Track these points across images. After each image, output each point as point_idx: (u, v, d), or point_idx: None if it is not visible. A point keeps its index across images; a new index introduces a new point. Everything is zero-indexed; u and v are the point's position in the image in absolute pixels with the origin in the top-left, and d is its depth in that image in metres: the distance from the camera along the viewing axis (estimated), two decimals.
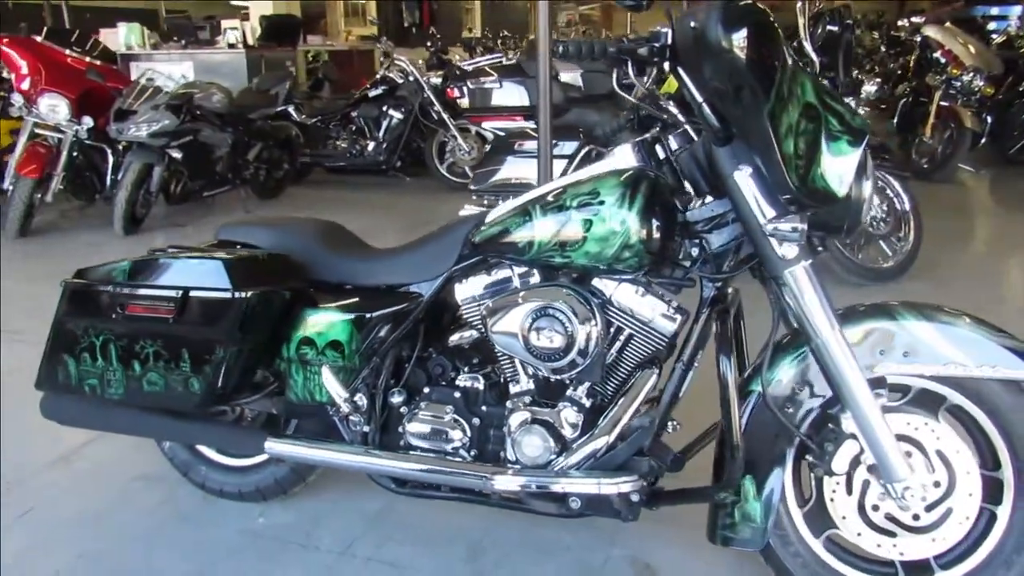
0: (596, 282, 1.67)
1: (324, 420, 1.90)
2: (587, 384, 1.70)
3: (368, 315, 1.81)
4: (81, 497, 2.19)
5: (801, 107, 1.44)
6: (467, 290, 1.78)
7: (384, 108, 6.77)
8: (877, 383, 1.53)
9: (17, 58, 5.26)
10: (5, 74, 5.64)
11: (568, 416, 1.69)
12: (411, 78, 6.61)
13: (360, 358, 1.81)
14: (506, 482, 1.66)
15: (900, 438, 1.56)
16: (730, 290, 1.71)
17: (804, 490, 1.67)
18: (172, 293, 1.75)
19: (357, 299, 1.84)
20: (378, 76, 6.95)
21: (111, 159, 5.47)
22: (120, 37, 8.83)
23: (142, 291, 1.79)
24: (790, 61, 1.43)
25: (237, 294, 1.72)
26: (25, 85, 5.23)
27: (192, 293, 1.74)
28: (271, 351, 1.86)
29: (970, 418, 1.56)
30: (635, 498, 1.65)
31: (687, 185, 1.61)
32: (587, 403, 1.70)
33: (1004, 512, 1.55)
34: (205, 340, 1.74)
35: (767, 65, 1.38)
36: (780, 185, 1.45)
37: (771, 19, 1.40)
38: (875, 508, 1.58)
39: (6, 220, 5.20)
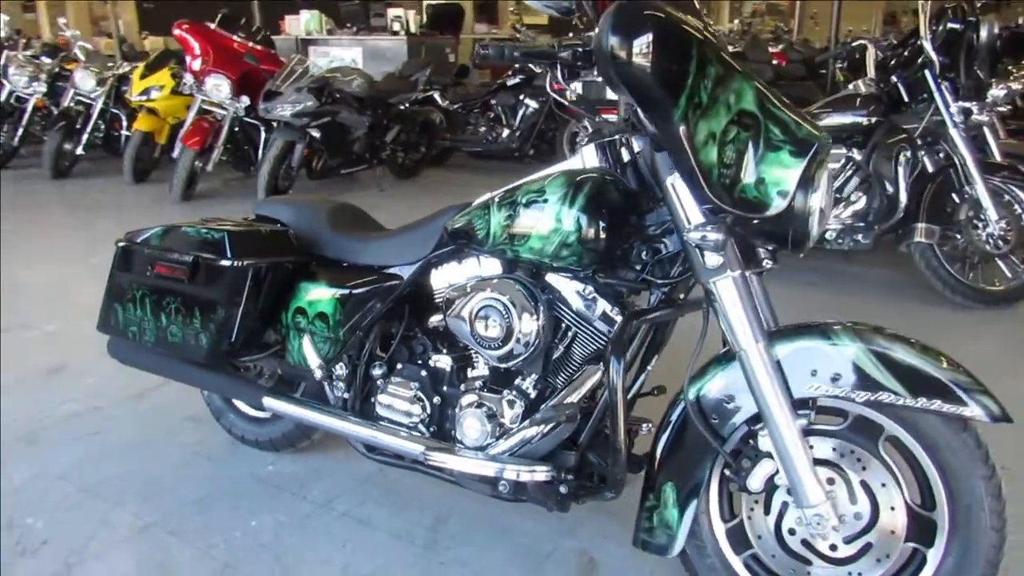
0: (549, 277, 1.73)
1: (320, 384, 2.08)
2: (534, 376, 1.76)
3: (351, 292, 1.96)
4: (138, 428, 2.53)
5: (733, 115, 1.41)
6: (440, 276, 1.89)
7: (521, 97, 6.94)
8: (802, 404, 1.49)
9: (192, 42, 5.91)
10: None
11: (509, 404, 1.76)
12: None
13: (343, 331, 1.97)
14: (440, 458, 1.76)
15: (824, 464, 1.51)
16: (681, 296, 1.71)
17: (737, 506, 1.64)
18: (187, 258, 1.99)
19: (345, 276, 2.00)
20: (517, 65, 7.11)
21: (263, 135, 6.03)
22: (301, 23, 9.62)
23: (167, 254, 2.04)
24: (716, 67, 1.39)
25: (235, 263, 1.93)
26: (196, 66, 5.88)
27: (201, 259, 1.97)
28: (275, 316, 2.06)
29: (909, 452, 1.47)
30: (563, 490, 1.69)
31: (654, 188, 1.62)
32: (532, 393, 1.76)
33: (934, 556, 1.45)
34: (210, 301, 1.97)
35: (669, 72, 1.36)
36: (699, 194, 1.44)
37: (678, 21, 1.37)
38: (791, 532, 1.54)
39: (171, 185, 5.89)
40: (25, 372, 2.95)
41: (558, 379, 1.76)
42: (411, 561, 1.90)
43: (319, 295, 1.99)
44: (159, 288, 2.06)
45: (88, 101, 7.00)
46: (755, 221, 1.47)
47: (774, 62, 6.56)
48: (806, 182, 1.43)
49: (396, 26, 8.96)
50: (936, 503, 1.45)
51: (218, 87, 5.82)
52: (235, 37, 6.25)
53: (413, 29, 9.09)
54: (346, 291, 1.96)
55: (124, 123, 7.04)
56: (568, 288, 1.71)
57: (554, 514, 2.02)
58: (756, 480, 1.52)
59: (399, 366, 1.97)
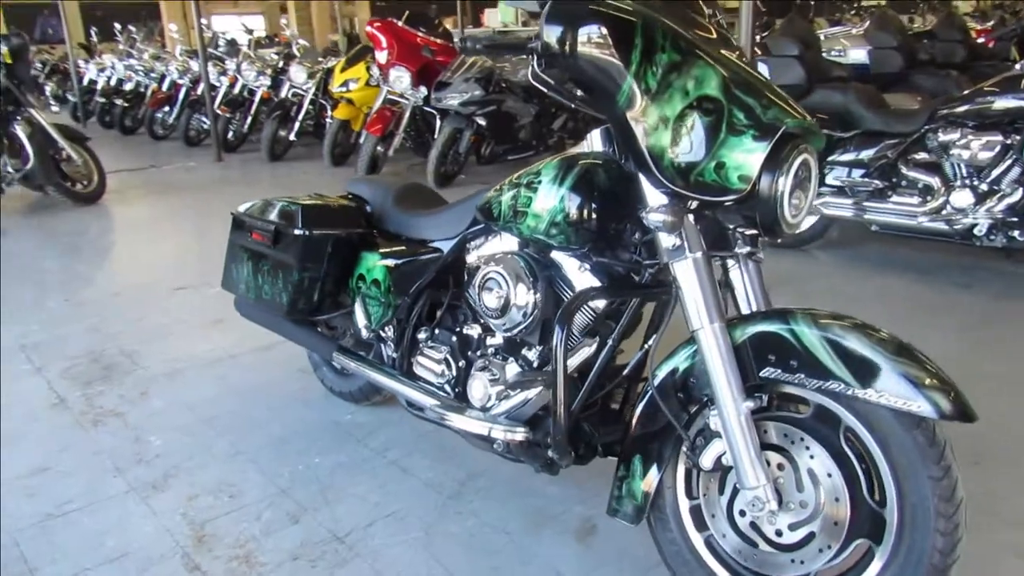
0: (553, 254, 1.84)
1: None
2: (536, 347, 1.88)
3: (398, 262, 2.19)
4: (258, 374, 2.96)
5: (692, 100, 1.44)
6: (472, 251, 2.07)
7: None
8: (759, 387, 1.50)
9: (380, 37, 6.47)
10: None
11: (511, 370, 1.90)
12: None
13: (391, 296, 2.21)
14: (443, 414, 1.94)
15: (775, 449, 1.51)
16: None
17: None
18: (271, 227, 2.33)
19: (397, 248, 2.23)
20: None
21: (438, 123, 6.48)
22: (497, 16, 10.09)
23: (260, 223, 2.39)
24: (669, 54, 1.43)
25: (303, 231, 2.23)
26: (382, 59, 6.44)
27: (280, 227, 2.30)
28: (345, 281, 2.35)
29: (864, 445, 1.44)
30: (551, 454, 1.80)
31: None
32: (534, 362, 1.89)
33: (881, 554, 1.41)
34: (286, 264, 2.29)
35: (605, 60, 1.42)
36: (651, 177, 1.49)
37: (617, 12, 1.42)
38: (742, 513, 1.55)
39: (356, 168, 6.51)
40: (194, 322, 3.51)
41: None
42: (432, 506, 2.10)
43: (374, 264, 2.24)
44: (255, 252, 2.42)
45: (301, 92, 7.88)
46: (721, 205, 1.50)
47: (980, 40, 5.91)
48: (774, 166, 1.43)
49: None
50: (887, 500, 1.41)
51: (400, 78, 6.34)
52: (418, 32, 6.74)
53: None
54: (394, 261, 2.20)
55: (329, 112, 7.84)
56: (569, 265, 1.81)
57: (575, 481, 2.14)
58: (708, 459, 1.55)
59: (437, 331, 2.17)
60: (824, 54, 5.14)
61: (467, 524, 2.02)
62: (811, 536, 1.47)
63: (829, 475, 1.46)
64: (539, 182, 1.73)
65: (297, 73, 7.79)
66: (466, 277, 2.06)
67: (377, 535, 1.99)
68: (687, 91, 1.44)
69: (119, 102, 10.39)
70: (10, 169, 5.74)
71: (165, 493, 2.21)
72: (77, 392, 2.86)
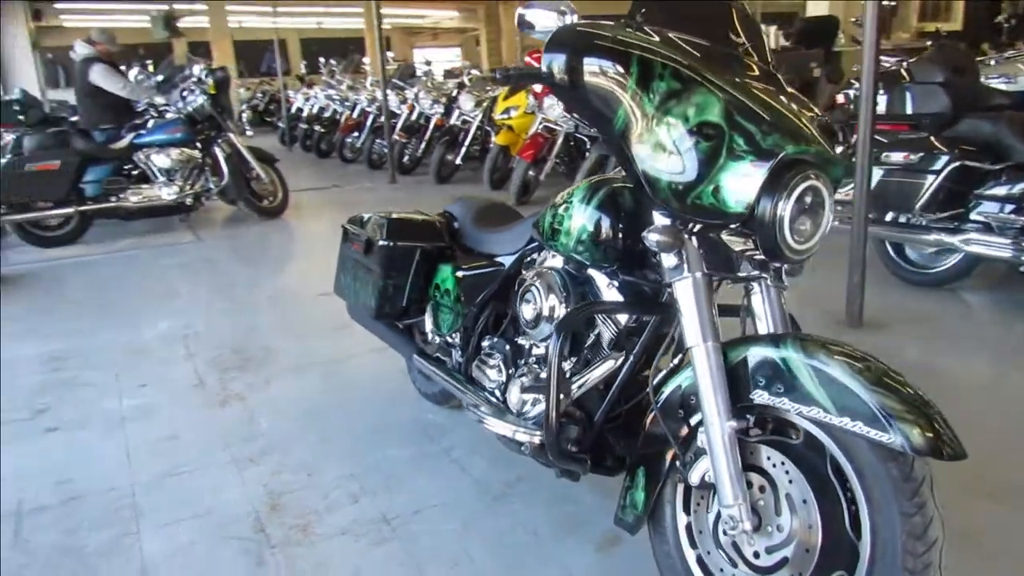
0: (590, 271, 1.95)
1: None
2: (569, 358, 1.99)
3: (465, 274, 2.37)
4: (366, 373, 3.25)
5: (693, 126, 1.50)
6: (527, 265, 2.21)
7: None
8: (748, 409, 1.52)
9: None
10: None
11: (542, 378, 2.01)
12: None
13: (459, 305, 2.39)
14: (478, 415, 2.07)
15: (759, 471, 1.52)
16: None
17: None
18: (364, 238, 2.59)
19: (467, 261, 2.41)
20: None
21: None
22: None
23: (358, 234, 2.66)
24: (668, 81, 1.49)
25: (387, 242, 2.47)
26: (538, 88, 6.71)
27: (371, 239, 2.55)
28: (427, 289, 2.56)
29: (845, 474, 1.41)
30: (550, 457, 1.87)
31: None
32: (567, 372, 1.99)
33: None
34: (374, 271, 2.54)
35: (602, 88, 1.51)
36: (647, 200, 1.56)
37: (615, 41, 1.51)
38: (726, 532, 1.56)
39: (510, 191, 6.80)
40: (326, 324, 3.88)
41: (589, 361, 1.96)
42: (477, 503, 2.25)
43: (447, 275, 2.44)
44: (355, 260, 2.70)
45: (469, 119, 8.35)
46: (723, 227, 1.54)
47: None
48: (774, 191, 1.46)
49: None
50: (862, 532, 1.38)
51: (553, 106, 6.57)
52: None
53: (773, 44, 8.96)
54: (463, 273, 2.38)
55: (492, 138, 8.25)
56: (601, 282, 1.91)
57: (614, 493, 2.20)
58: (696, 475, 1.58)
59: (496, 340, 2.32)
60: (992, 81, 4.76)
61: (502, 522, 2.15)
62: (785, 561, 1.47)
63: (804, 501, 1.45)
64: (571, 202, 1.84)
65: (466, 101, 8.27)
66: (517, 289, 2.20)
67: (420, 522, 2.16)
68: (687, 117, 1.49)
69: (317, 128, 11.48)
70: (210, 185, 6.57)
71: (258, 467, 2.52)
72: (215, 377, 3.29)
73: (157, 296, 4.62)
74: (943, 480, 1.39)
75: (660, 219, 1.60)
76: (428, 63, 10.18)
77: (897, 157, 3.82)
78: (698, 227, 1.59)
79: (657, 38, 1.56)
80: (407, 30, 24.60)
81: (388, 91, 8.94)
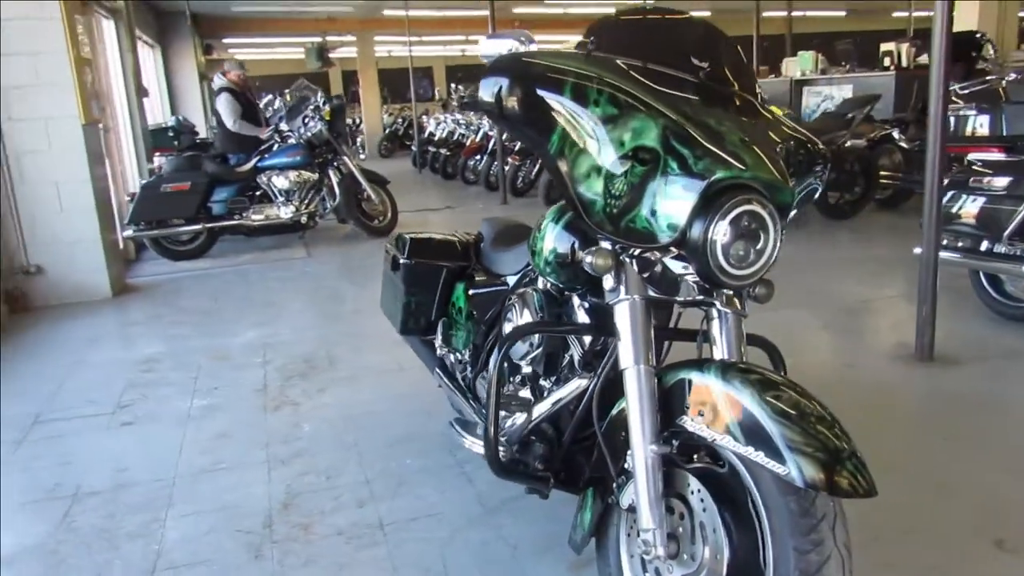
0: (567, 292, 1.98)
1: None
2: (545, 376, 2.02)
3: (475, 292, 2.45)
4: (408, 385, 3.38)
5: (628, 150, 1.51)
6: (523, 284, 2.26)
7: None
8: (676, 434, 1.50)
9: None
10: None
11: (525, 395, 2.05)
12: None
13: (469, 322, 2.47)
14: (460, 434, 2.13)
15: (681, 498, 1.49)
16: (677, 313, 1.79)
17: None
18: (392, 256, 2.72)
19: (478, 280, 2.48)
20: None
21: None
22: (797, 65, 9.76)
23: (390, 252, 2.80)
24: (604, 108, 1.50)
25: (408, 260, 2.59)
26: None
27: (396, 257, 2.68)
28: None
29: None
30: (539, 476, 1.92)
31: None
32: (546, 390, 2.03)
33: None
34: (399, 287, 2.67)
35: (533, 115, 1.55)
36: (582, 223, 1.58)
37: (550, 71, 1.53)
38: (643, 557, 1.53)
39: None
40: (387, 339, 4.04)
41: (560, 381, 1.99)
42: (468, 515, 2.30)
43: (460, 292, 2.52)
44: (389, 277, 2.84)
45: None
46: (659, 251, 1.54)
47: None
48: (706, 215, 1.45)
49: (887, 61, 8.46)
50: (766, 563, 1.33)
51: None
52: None
53: (905, 63, 8.46)
54: (473, 291, 2.46)
55: None
56: (575, 303, 1.94)
57: None
58: (626, 498, 1.57)
59: (494, 356, 2.37)
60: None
61: (487, 535, 2.19)
62: None
63: (714, 530, 1.41)
64: (545, 224, 1.89)
65: None
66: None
67: (412, 529, 2.25)
68: (623, 142, 1.50)
69: (443, 151, 11.93)
70: (325, 205, 7.01)
71: (287, 467, 2.69)
72: (278, 383, 3.53)
73: (256, 306, 4.99)
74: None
75: (602, 241, 1.62)
76: None
77: (987, 181, 3.54)
78: (638, 251, 1.59)
79: (599, 65, 1.58)
80: None
81: None
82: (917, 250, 3.32)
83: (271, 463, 2.73)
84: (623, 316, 1.57)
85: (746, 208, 1.44)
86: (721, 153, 1.45)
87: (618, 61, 1.60)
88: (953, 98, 5.55)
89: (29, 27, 4.90)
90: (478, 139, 10.97)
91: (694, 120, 1.50)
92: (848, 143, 6.44)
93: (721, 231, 1.43)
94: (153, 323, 4.77)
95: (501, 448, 1.94)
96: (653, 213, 1.46)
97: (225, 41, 17.34)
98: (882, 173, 6.71)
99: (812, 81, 9.51)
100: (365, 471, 2.62)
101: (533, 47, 1.69)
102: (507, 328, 2.06)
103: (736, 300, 1.63)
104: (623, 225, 1.50)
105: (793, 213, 1.60)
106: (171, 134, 9.15)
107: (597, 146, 1.51)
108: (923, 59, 9.71)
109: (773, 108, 1.80)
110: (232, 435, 3.00)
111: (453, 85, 13.16)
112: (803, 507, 1.28)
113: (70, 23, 5.04)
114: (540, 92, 1.56)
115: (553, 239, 1.81)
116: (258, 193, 6.88)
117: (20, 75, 4.93)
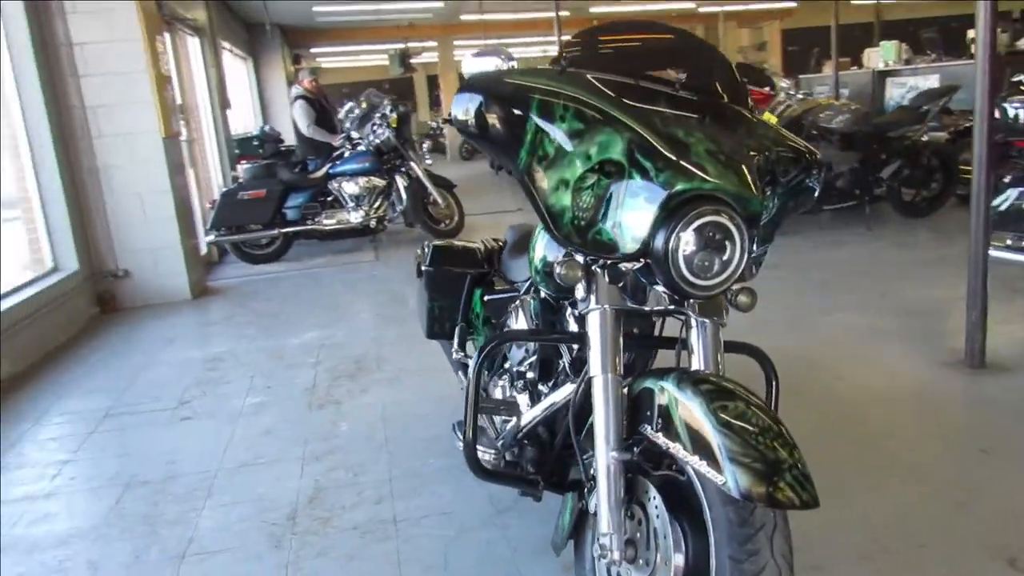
0: (562, 301, 2.03)
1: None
2: (542, 382, 2.08)
3: (489, 298, 2.52)
4: (447, 386, 3.46)
5: (595, 163, 1.55)
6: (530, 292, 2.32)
7: None
8: (638, 441, 1.54)
9: None
10: None
11: (522, 401, 2.11)
12: None
13: (485, 328, 2.55)
14: (459, 438, 2.20)
15: (640, 505, 1.53)
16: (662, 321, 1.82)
17: None
18: (417, 262, 2.83)
19: (492, 286, 2.56)
20: None
21: None
22: (879, 55, 9.41)
23: (416, 258, 2.90)
24: (571, 123, 1.54)
25: (429, 267, 2.69)
26: None
27: (420, 263, 2.78)
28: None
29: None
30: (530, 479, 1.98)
31: None
32: (542, 394, 2.08)
33: None
34: (423, 294, 2.77)
35: (501, 132, 1.60)
36: (551, 234, 1.63)
37: (517, 89, 1.59)
38: (601, 559, 1.57)
39: None
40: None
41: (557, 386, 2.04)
42: (479, 514, 2.38)
43: (478, 299, 2.60)
44: (417, 283, 2.95)
45: None
46: (624, 262, 1.58)
47: None
48: (668, 226, 1.48)
49: (973, 48, 8.04)
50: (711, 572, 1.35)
51: None
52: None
53: (1001, 49, 8.02)
54: (487, 298, 2.54)
55: None
56: (568, 312, 1.99)
57: None
58: (592, 502, 1.61)
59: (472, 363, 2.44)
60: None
61: (491, 535, 2.27)
62: None
63: (665, 537, 1.44)
64: (538, 234, 1.95)
65: None
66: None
67: (423, 526, 2.34)
68: (589, 156, 1.55)
69: None
70: (395, 209, 7.22)
71: (319, 463, 2.84)
72: (327, 382, 3.70)
73: (319, 308, 5.22)
74: None
75: (574, 252, 1.66)
76: None
77: None
78: (609, 261, 1.63)
79: (570, 81, 1.62)
80: None
81: None
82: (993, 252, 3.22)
83: (306, 459, 2.88)
84: (593, 325, 1.61)
85: (710, 219, 1.46)
86: (685, 164, 1.47)
87: (589, 76, 1.64)
88: (1021, 88, 5.26)
89: (114, 49, 5.27)
90: None
91: (661, 132, 1.52)
92: (925, 137, 6.18)
93: (683, 242, 1.46)
94: (225, 324, 5.06)
95: (493, 451, 2.01)
96: (617, 225, 1.50)
97: (313, 50, 17.97)
98: (963, 167, 6.39)
99: (895, 72, 9.13)
100: (391, 469, 2.74)
101: (512, 64, 1.76)
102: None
103: (712, 309, 1.65)
104: (590, 237, 1.54)
105: (764, 222, 1.60)
106: (256, 143, 9.60)
107: (564, 160, 1.55)
108: (1021, 43, 9.23)
109: (767, 116, 1.81)
110: (276, 431, 3.17)
111: None
112: (741, 517, 1.30)
113: (151, 43, 5.39)
114: (509, 109, 1.61)
115: (543, 249, 1.87)
116: (330, 199, 7.15)
117: (107, 94, 5.31)
